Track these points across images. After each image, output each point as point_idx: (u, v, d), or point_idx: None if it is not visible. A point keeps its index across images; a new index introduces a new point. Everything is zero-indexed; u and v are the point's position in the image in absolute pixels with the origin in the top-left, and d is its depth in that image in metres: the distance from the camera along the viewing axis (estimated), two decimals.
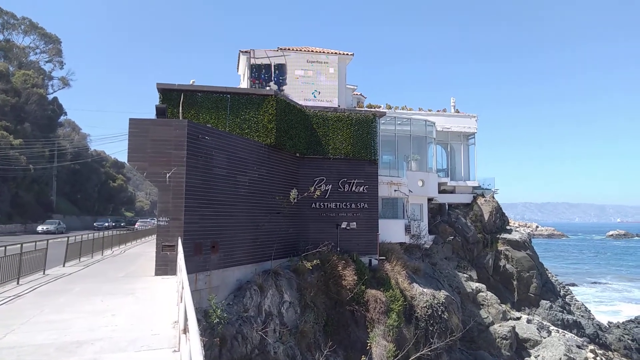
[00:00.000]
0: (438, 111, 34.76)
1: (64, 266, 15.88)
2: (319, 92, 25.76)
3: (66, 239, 17.68)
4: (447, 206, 32.96)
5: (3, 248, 12.56)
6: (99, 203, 75.91)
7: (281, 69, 25.56)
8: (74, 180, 66.85)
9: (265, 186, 18.32)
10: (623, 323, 32.85)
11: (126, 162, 15.05)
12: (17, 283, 11.89)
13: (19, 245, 12.80)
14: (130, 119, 13.95)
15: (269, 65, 25.46)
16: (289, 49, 25.90)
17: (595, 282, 60.02)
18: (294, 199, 19.06)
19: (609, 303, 47.06)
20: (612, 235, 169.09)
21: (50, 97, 66.09)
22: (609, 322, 33.22)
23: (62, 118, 70.30)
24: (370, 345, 17.67)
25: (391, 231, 24.48)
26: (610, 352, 28.59)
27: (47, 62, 70.45)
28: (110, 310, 8.78)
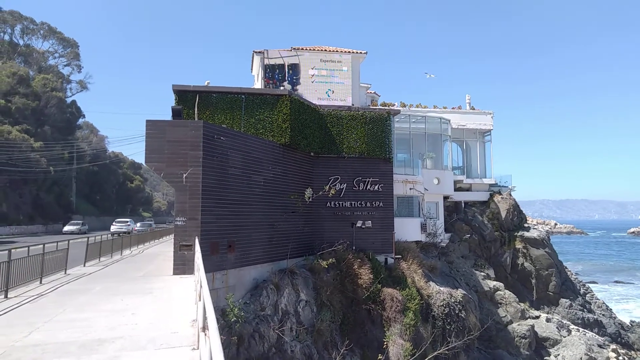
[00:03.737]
0: (453, 108, 34.44)
1: (84, 266, 16.20)
2: (333, 91, 25.75)
3: (86, 239, 18.02)
4: (463, 204, 32.64)
5: (26, 248, 12.88)
6: (118, 204, 77.22)
7: (295, 68, 25.61)
8: (93, 182, 68.12)
9: (280, 186, 18.40)
10: None
11: (143, 163, 15.27)
12: (40, 282, 12.17)
13: (42, 246, 13.11)
14: (147, 121, 14.14)
15: (283, 65, 25.53)
16: (302, 49, 25.93)
17: (616, 281, 58.72)
18: (309, 198, 19.10)
19: (631, 301, 46.03)
20: (633, 232, 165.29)
21: (68, 100, 67.45)
22: (632, 321, 32.54)
23: (80, 120, 71.71)
24: (386, 344, 17.62)
25: (407, 230, 24.34)
26: (632, 352, 28.01)
27: (65, 65, 71.98)
28: (130, 309, 8.92)
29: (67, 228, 44.81)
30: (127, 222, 43.39)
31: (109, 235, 26.88)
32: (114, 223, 42.92)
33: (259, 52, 25.80)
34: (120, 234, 30.29)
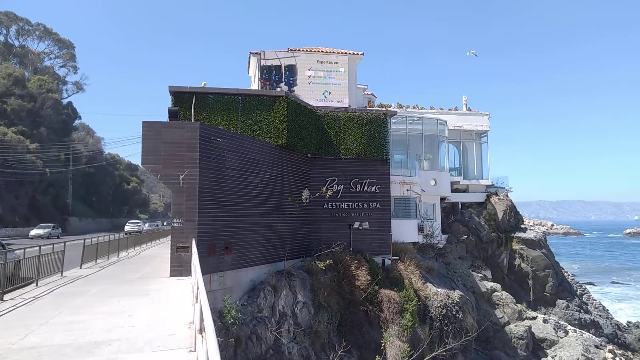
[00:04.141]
0: (450, 109, 34.50)
1: (80, 268, 16.11)
2: (330, 93, 25.77)
3: (83, 240, 17.94)
4: (460, 205, 32.70)
5: (22, 250, 12.81)
6: (114, 205, 76.99)
7: (291, 70, 25.61)
8: (89, 183, 67.87)
9: (278, 187, 18.38)
10: None
11: (140, 164, 15.23)
12: (36, 284, 12.09)
13: (38, 248, 13.04)
14: (144, 122, 14.12)
15: (280, 67, 25.53)
16: (299, 50, 25.95)
17: (613, 282, 58.98)
18: (306, 199, 19.09)
19: (627, 302, 46.22)
20: (629, 233, 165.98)
21: (64, 101, 67.17)
22: (628, 322, 32.65)
23: (76, 122, 71.40)
24: (384, 346, 17.61)
25: (404, 231, 24.36)
26: (629, 352, 28.09)
27: (61, 67, 71.72)
28: (126, 311, 8.88)
29: (34, 232, 38.70)
30: (139, 223, 50.75)
31: (124, 234, 31.63)
32: (127, 224, 49.76)
33: (256, 53, 25.80)
34: (132, 233, 35.85)
